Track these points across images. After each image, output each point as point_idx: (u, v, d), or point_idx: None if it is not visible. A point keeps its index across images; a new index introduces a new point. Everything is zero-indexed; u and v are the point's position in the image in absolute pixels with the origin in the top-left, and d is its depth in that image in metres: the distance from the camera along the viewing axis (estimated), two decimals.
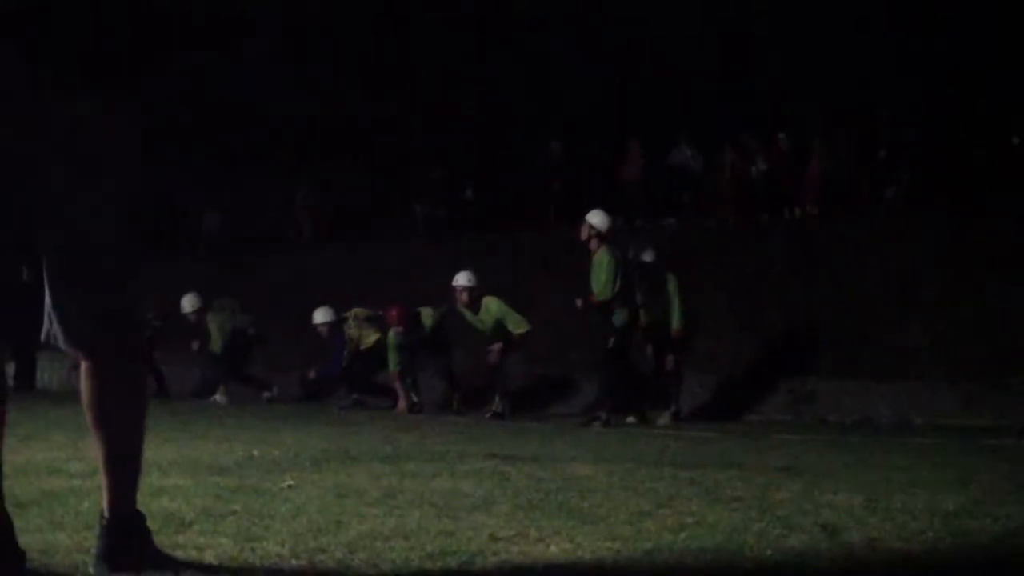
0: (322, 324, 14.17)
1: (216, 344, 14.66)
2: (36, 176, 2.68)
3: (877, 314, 12.59)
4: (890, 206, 14.96)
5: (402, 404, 12.97)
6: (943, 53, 16.67)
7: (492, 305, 12.26)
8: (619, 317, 11.15)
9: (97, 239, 2.76)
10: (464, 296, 12.38)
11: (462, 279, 12.41)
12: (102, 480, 2.91)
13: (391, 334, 13.04)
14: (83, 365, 2.87)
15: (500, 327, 12.23)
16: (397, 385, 13.10)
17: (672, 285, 11.73)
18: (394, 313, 12.98)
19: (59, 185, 2.70)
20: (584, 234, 11.43)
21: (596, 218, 11.43)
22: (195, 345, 15.03)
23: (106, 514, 2.89)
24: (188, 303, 14.99)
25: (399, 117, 21.47)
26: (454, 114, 21.30)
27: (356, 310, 13.87)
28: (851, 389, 11.93)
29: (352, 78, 21.65)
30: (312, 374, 14.39)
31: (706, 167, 16.92)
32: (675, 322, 11.63)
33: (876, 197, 15.35)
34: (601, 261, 11.20)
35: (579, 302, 11.42)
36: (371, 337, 13.51)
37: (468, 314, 12.41)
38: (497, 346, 12.05)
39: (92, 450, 2.95)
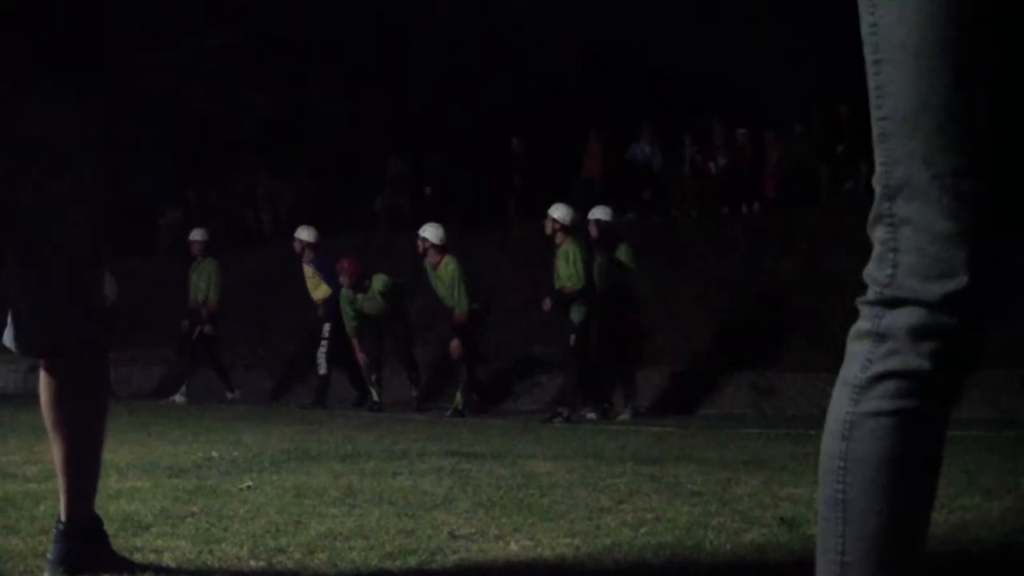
0: (307, 241, 13.89)
1: (214, 291, 14.35)
2: (6, 176, 2.66)
3: (838, 307, 12.63)
4: (849, 198, 15.03)
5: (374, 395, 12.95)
6: None
7: (451, 265, 12.10)
8: (578, 314, 11.17)
9: (60, 240, 2.72)
10: (424, 247, 12.27)
11: (428, 231, 12.30)
12: (60, 484, 2.88)
13: (344, 291, 12.92)
14: (42, 367, 2.84)
15: (452, 293, 12.15)
16: (358, 354, 13.02)
17: (625, 253, 11.74)
18: (346, 265, 12.83)
19: (27, 185, 2.67)
20: (549, 228, 11.45)
21: (559, 211, 11.44)
22: (185, 324, 14.67)
23: (62, 518, 2.86)
24: (199, 233, 14.81)
25: (359, 109, 21.40)
26: (415, 106, 21.26)
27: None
28: (812, 382, 11.97)
29: (311, 70, 21.59)
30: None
31: (666, 162, 16.95)
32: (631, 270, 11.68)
33: (835, 190, 15.42)
34: (568, 252, 11.22)
35: (547, 303, 11.44)
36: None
37: (429, 268, 12.31)
38: (456, 342, 12.00)
39: (50, 453, 2.92)
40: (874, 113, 1.65)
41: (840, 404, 1.67)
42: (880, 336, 1.64)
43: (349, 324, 12.90)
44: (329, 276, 13.47)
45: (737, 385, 12.39)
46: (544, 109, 19.64)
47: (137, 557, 3.08)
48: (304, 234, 13.96)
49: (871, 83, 1.66)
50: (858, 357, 1.67)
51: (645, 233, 14.56)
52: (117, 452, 6.23)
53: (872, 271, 1.69)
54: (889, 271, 1.64)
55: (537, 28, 21.02)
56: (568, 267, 11.18)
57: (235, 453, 6.51)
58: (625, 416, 11.26)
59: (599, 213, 11.86)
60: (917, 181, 1.59)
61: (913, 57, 1.59)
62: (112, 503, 4.10)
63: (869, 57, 1.66)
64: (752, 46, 18.30)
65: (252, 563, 3.10)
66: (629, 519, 3.91)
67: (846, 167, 15.41)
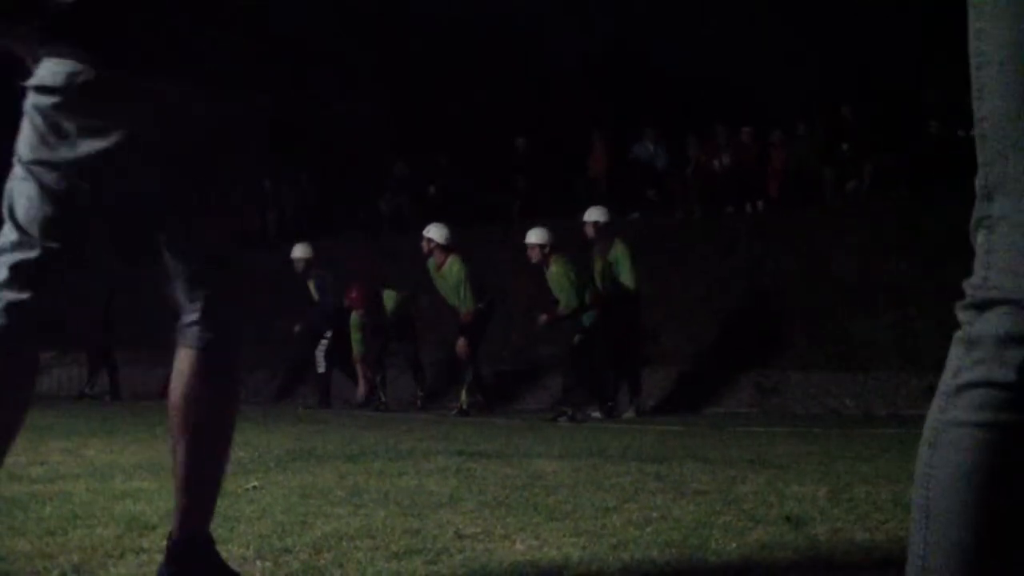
0: (300, 259, 13.80)
1: None
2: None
3: (841, 306, 12.66)
4: (853, 198, 15.02)
5: (361, 388, 12.98)
6: (906, 44, 16.75)
7: (455, 266, 12.10)
8: (588, 317, 11.16)
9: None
10: (430, 247, 12.27)
11: (433, 231, 12.28)
12: (175, 494, 2.61)
13: (353, 315, 12.98)
14: (178, 360, 2.68)
15: (457, 293, 12.16)
16: (359, 367, 13.06)
17: (620, 250, 11.71)
18: (355, 295, 12.90)
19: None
20: (535, 256, 11.33)
21: (536, 235, 11.33)
22: None
23: (174, 535, 2.60)
24: None
25: (359, 109, 21.39)
26: (416, 107, 21.25)
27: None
28: (816, 381, 12.00)
29: (310, 70, 21.56)
30: (298, 328, 13.93)
31: (671, 161, 16.94)
32: (627, 281, 11.60)
33: (838, 191, 15.40)
34: (559, 273, 11.14)
35: (542, 318, 11.43)
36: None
37: (433, 268, 12.32)
38: (463, 341, 11.99)
39: (169, 459, 2.65)
40: (976, 115, 1.66)
41: (932, 410, 1.66)
42: (970, 343, 1.62)
43: (357, 349, 12.99)
44: (324, 291, 13.51)
45: (740, 384, 12.39)
46: (545, 109, 19.64)
47: (143, 558, 3.08)
48: (300, 251, 13.89)
49: (974, 85, 1.67)
50: (951, 364, 1.64)
51: (648, 233, 14.56)
52: (122, 453, 6.24)
53: (972, 277, 1.66)
54: (983, 273, 1.63)
55: (537, 28, 21.00)
56: (562, 288, 11.11)
57: (240, 453, 6.50)
58: (630, 415, 11.27)
59: (596, 215, 11.81)
60: (1013, 177, 1.59)
61: (1012, 59, 1.60)
62: (118, 504, 4.11)
63: (973, 61, 1.67)
64: (752, 46, 18.30)
65: (258, 563, 3.10)
66: (634, 518, 3.91)
67: (849, 168, 15.40)
